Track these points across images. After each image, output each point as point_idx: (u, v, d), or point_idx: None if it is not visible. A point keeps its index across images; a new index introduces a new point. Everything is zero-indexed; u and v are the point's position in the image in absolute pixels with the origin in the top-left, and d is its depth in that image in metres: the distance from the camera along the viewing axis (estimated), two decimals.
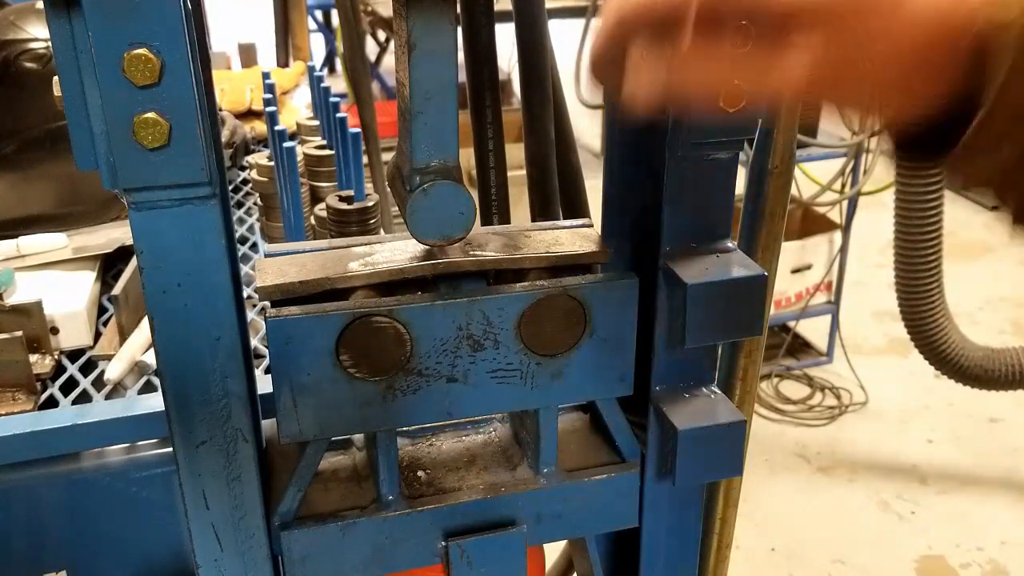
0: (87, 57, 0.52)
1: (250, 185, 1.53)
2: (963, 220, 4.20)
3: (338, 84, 3.35)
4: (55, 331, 1.02)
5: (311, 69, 1.53)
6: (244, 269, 1.26)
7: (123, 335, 1.02)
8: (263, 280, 0.64)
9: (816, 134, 3.47)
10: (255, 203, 1.42)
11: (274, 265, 0.66)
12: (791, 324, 3.29)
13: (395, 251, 0.68)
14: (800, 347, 3.43)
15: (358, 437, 0.80)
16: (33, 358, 0.97)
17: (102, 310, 1.13)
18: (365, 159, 1.53)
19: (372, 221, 1.08)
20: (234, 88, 1.88)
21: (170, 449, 0.70)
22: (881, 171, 3.04)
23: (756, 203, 0.93)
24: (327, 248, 0.70)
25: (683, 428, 0.72)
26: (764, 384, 3.16)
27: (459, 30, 0.72)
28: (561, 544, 1.24)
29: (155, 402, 0.83)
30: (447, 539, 0.73)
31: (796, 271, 3.19)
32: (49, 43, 0.72)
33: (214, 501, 0.66)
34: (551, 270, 0.69)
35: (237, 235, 1.20)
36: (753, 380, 0.96)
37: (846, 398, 3.12)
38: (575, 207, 1.04)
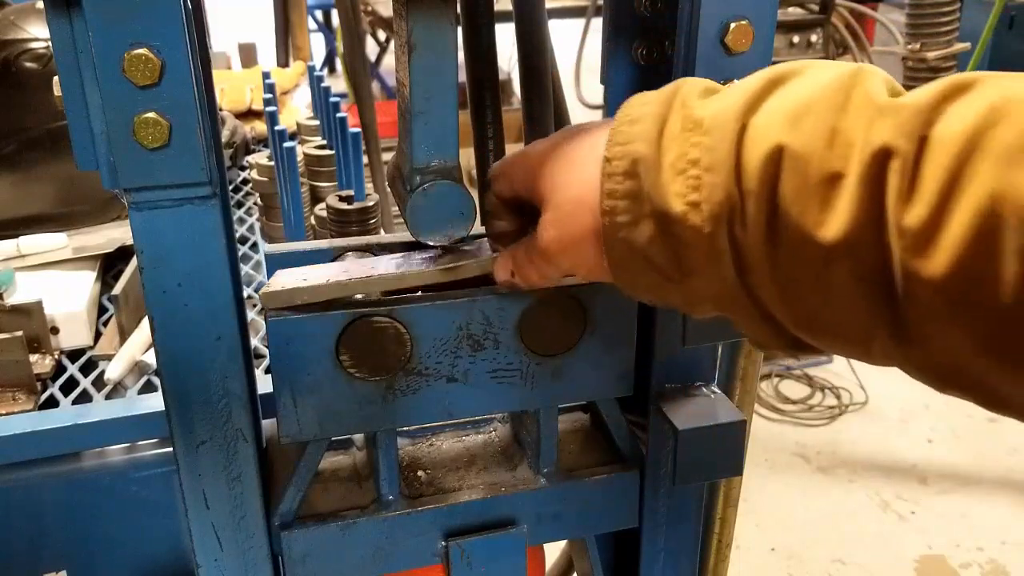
0: (87, 57, 0.52)
1: (250, 185, 1.53)
2: None
3: (338, 84, 3.36)
4: (55, 331, 1.02)
5: (311, 69, 1.53)
6: (244, 269, 1.26)
7: (123, 335, 1.02)
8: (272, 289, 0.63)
9: None
10: (255, 203, 1.42)
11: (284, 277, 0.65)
12: None
13: (402, 255, 0.68)
14: None
15: (358, 437, 0.80)
16: (33, 358, 0.97)
17: (102, 310, 1.13)
18: (365, 159, 1.53)
19: (372, 221, 1.07)
20: (234, 88, 1.88)
21: (170, 449, 0.70)
22: None
23: None
24: (327, 247, 0.70)
25: (683, 428, 0.72)
26: (764, 384, 3.15)
27: (459, 30, 0.72)
28: (561, 544, 1.24)
29: (155, 402, 0.83)
30: (447, 539, 0.73)
31: None
32: (49, 43, 0.71)
33: (214, 501, 0.66)
34: None
35: (237, 235, 1.20)
36: (753, 380, 0.96)
37: (846, 398, 3.11)
38: None
